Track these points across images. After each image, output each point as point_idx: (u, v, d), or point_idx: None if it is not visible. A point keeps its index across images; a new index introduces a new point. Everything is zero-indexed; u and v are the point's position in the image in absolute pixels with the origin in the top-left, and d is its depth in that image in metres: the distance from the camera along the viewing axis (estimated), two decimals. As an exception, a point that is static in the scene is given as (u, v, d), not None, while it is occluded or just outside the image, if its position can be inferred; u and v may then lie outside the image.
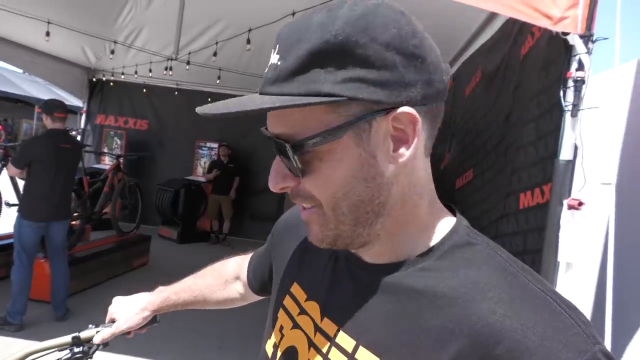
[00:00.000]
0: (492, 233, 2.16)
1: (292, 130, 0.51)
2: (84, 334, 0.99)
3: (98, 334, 0.99)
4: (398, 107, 0.49)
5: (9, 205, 4.22)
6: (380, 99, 0.48)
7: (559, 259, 1.56)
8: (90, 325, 1.01)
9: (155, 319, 1.07)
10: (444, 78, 0.53)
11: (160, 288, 1.07)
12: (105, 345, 1.01)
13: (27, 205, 3.64)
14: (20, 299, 3.58)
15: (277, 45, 0.51)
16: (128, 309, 1.02)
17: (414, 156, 0.53)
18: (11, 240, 3.73)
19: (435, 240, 0.56)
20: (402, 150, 0.52)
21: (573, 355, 0.44)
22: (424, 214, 0.57)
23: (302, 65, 0.48)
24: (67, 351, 0.98)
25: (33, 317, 3.74)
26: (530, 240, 1.84)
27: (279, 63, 0.50)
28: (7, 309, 3.57)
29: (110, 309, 1.04)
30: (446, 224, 0.58)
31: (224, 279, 1.04)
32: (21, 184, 3.77)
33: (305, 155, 0.51)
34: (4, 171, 4.09)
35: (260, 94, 0.52)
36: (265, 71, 0.53)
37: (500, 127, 2.46)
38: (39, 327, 3.68)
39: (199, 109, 0.54)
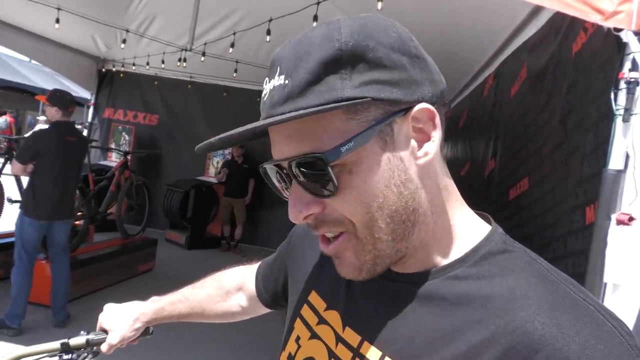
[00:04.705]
0: (560, 251, 2.10)
1: (315, 146, 0.52)
2: (73, 341, 1.03)
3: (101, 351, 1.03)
4: (414, 105, 0.54)
5: (11, 201, 4.35)
6: (399, 98, 0.53)
7: (605, 279, 1.53)
8: (81, 332, 1.05)
9: (148, 331, 1.09)
10: (443, 79, 0.59)
11: (154, 298, 1.09)
12: (96, 355, 1.05)
13: (29, 202, 3.74)
14: (20, 302, 3.69)
15: (278, 68, 0.54)
16: (119, 320, 1.05)
17: (435, 159, 0.56)
18: (12, 239, 3.85)
19: (468, 247, 0.57)
20: (426, 148, 0.55)
21: None
22: (455, 219, 0.59)
23: (315, 76, 0.51)
24: (57, 358, 1.02)
25: (32, 321, 3.85)
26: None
27: (286, 82, 0.52)
28: (6, 312, 3.68)
29: (101, 317, 1.07)
30: (480, 230, 0.59)
31: (225, 289, 1.05)
32: (25, 180, 3.88)
33: (333, 169, 0.52)
34: (7, 166, 4.22)
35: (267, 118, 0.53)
36: (265, 97, 0.55)
37: (555, 131, 2.40)
38: (37, 332, 3.78)
39: (198, 147, 0.58)
